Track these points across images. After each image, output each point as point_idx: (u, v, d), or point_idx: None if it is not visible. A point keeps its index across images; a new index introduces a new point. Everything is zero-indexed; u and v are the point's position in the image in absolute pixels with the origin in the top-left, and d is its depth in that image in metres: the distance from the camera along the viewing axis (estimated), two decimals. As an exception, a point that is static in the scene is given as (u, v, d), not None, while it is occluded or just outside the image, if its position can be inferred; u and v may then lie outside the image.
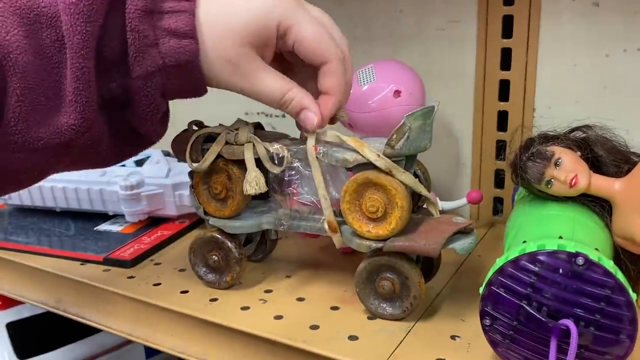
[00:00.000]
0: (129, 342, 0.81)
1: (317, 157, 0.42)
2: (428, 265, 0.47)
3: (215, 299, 0.47)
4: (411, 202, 0.41)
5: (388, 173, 0.40)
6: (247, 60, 0.38)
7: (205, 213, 0.48)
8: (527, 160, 0.43)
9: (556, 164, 0.42)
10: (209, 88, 0.40)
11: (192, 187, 0.48)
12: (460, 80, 0.60)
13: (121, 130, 0.39)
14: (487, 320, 0.35)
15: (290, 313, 0.45)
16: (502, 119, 0.59)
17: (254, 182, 0.44)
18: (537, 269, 0.33)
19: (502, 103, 0.59)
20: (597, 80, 0.54)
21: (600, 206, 0.42)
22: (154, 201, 0.61)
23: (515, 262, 0.34)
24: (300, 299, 0.47)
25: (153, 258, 0.56)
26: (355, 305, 0.45)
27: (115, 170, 0.63)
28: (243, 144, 0.44)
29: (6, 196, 0.67)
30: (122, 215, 0.63)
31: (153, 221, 0.63)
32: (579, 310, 0.33)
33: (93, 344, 0.77)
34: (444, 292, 0.47)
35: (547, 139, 0.44)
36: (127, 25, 0.35)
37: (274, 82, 0.40)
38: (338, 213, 0.43)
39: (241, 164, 0.45)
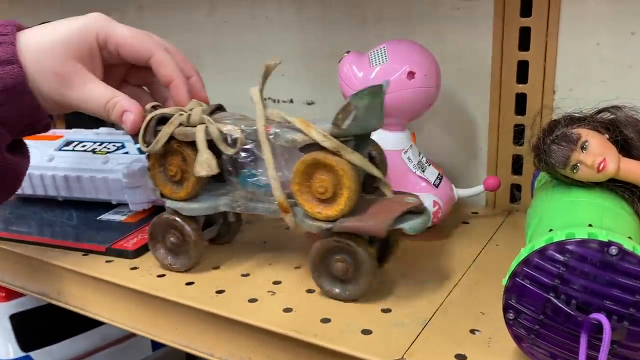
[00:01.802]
0: (135, 334, 0.79)
1: (267, 138, 0.42)
2: (386, 247, 0.46)
3: (222, 291, 0.45)
4: (360, 182, 0.41)
5: (336, 153, 0.40)
6: (74, 71, 0.42)
7: (162, 195, 0.48)
8: (552, 144, 0.40)
9: (583, 148, 0.39)
10: None
11: (148, 169, 0.48)
12: (476, 61, 0.58)
13: None
14: (511, 314, 0.33)
15: (300, 305, 0.42)
16: (521, 102, 0.57)
17: (205, 164, 0.43)
18: (565, 259, 0.31)
19: (520, 85, 0.56)
20: (622, 60, 0.51)
21: (630, 192, 0.39)
22: (158, 189, 0.59)
23: (541, 252, 0.32)
24: (310, 291, 0.45)
25: (157, 248, 0.54)
26: (368, 297, 0.43)
27: (118, 158, 0.61)
28: (196, 125, 0.44)
29: (7, 185, 0.65)
30: (126, 204, 0.61)
31: (157, 210, 0.61)
32: (611, 303, 0.30)
33: (98, 336, 0.75)
34: (462, 283, 0.45)
35: (573, 120, 0.41)
36: None
37: (99, 90, 0.43)
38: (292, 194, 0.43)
39: (195, 145, 0.44)
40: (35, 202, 0.66)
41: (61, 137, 0.67)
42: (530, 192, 0.51)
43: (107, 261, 0.52)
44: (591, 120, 0.41)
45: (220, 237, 0.54)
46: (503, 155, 0.59)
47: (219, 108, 0.48)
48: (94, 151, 0.63)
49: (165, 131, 0.45)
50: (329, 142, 0.39)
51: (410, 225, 0.40)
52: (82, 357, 0.74)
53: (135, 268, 0.50)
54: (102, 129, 0.69)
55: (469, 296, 0.43)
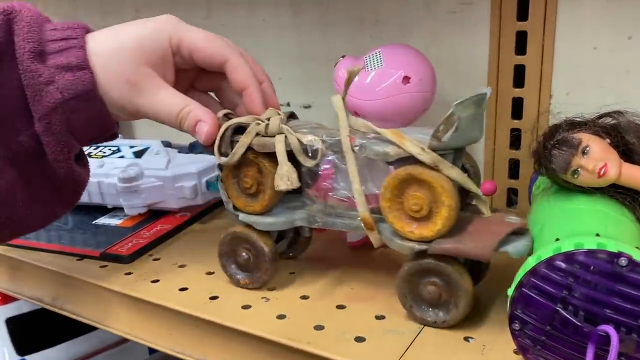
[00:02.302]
0: (131, 337, 0.79)
1: (352, 150, 0.39)
2: (475, 268, 0.43)
3: (215, 297, 0.45)
4: (459, 200, 0.37)
5: (433, 168, 0.36)
6: (145, 78, 0.40)
7: (235, 208, 0.45)
8: (553, 149, 0.40)
9: (584, 152, 0.38)
10: None
11: (221, 180, 0.45)
12: (472, 65, 0.57)
13: (39, 184, 0.40)
14: (517, 325, 0.33)
15: (293, 312, 0.42)
16: (517, 106, 0.56)
17: (285, 177, 0.41)
18: (574, 269, 0.31)
19: (517, 89, 0.56)
20: (619, 65, 0.51)
21: (632, 198, 0.39)
22: (153, 194, 0.59)
23: (549, 262, 0.31)
24: (304, 297, 0.44)
25: (152, 253, 0.54)
26: (362, 304, 0.43)
27: (113, 162, 0.61)
28: (274, 136, 0.41)
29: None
30: (121, 208, 0.61)
31: (153, 214, 0.61)
32: (620, 315, 0.30)
33: (95, 340, 0.75)
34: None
35: (574, 125, 0.41)
36: (19, 70, 0.36)
37: (172, 98, 0.41)
38: (377, 210, 0.40)
39: (273, 156, 0.41)
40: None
41: (57, 140, 0.67)
42: (528, 197, 0.51)
43: (101, 266, 0.52)
44: (592, 125, 0.40)
45: (287, 252, 0.51)
46: (500, 159, 0.59)
47: (292, 116, 0.46)
48: (89, 155, 0.63)
49: (243, 142, 0.42)
50: (426, 156, 0.36)
51: (514, 248, 0.36)
52: (85, 358, 0.73)
53: (129, 273, 0.50)
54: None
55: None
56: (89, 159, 0.61)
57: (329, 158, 0.42)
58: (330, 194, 0.43)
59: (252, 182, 0.43)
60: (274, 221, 0.44)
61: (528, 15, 0.53)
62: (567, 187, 0.41)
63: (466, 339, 0.38)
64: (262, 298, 0.45)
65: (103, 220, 0.61)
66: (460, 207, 0.38)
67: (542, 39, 0.53)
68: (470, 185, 0.38)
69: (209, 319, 0.42)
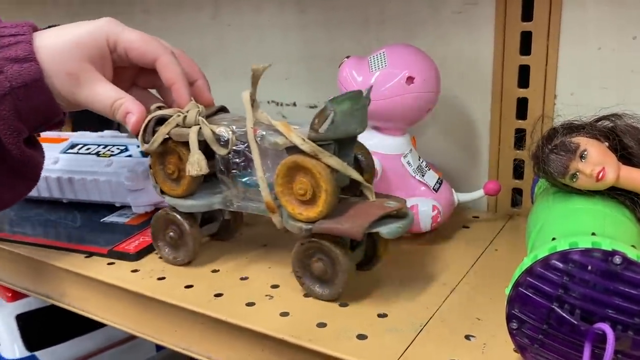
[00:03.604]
0: (139, 334, 0.80)
1: (255, 140, 0.43)
2: (373, 252, 0.47)
3: (220, 294, 0.46)
4: (337, 186, 0.41)
5: (314, 157, 0.40)
6: (85, 72, 0.44)
7: (162, 192, 0.50)
8: (550, 153, 0.40)
9: (582, 157, 0.39)
10: None
11: (150, 166, 0.50)
12: (477, 65, 0.58)
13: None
14: (515, 324, 0.33)
15: (296, 310, 0.43)
16: (522, 107, 0.57)
17: (195, 164, 0.45)
18: (569, 268, 0.31)
19: (521, 90, 0.56)
20: (624, 65, 0.51)
21: (631, 200, 0.39)
22: (161, 192, 0.60)
23: (544, 261, 0.32)
24: (307, 295, 0.45)
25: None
26: (364, 302, 0.43)
27: (121, 161, 0.62)
28: (191, 127, 0.46)
29: (13, 187, 0.66)
30: (129, 207, 0.62)
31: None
32: (615, 312, 0.30)
33: (103, 337, 0.76)
34: (459, 288, 0.45)
35: (572, 129, 0.41)
36: None
37: (107, 92, 0.45)
38: None
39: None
40: (39, 204, 0.67)
41: (66, 139, 0.68)
42: (531, 197, 0.51)
43: (109, 263, 0.52)
44: (590, 129, 0.41)
45: (220, 234, 0.56)
46: (504, 159, 0.59)
47: (222, 109, 0.50)
48: (97, 154, 0.64)
49: (162, 131, 0.46)
50: (306, 146, 0.40)
51: (387, 229, 0.40)
52: (87, 357, 0.74)
53: (136, 270, 0.51)
54: (106, 132, 0.70)
55: (466, 301, 0.43)
56: (98, 158, 0.63)
57: (239, 148, 0.46)
58: (241, 180, 0.47)
59: (174, 168, 0.48)
60: (194, 204, 0.49)
61: (533, 16, 0.53)
62: (566, 190, 0.41)
63: (467, 337, 0.38)
64: (266, 296, 0.45)
65: (111, 219, 0.62)
66: (350, 193, 0.44)
67: (546, 39, 0.53)
68: (351, 172, 0.42)
69: (213, 315, 0.43)
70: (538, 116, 0.55)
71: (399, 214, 0.42)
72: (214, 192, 0.49)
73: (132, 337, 0.79)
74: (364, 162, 0.46)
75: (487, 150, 0.60)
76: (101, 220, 0.62)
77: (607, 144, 0.40)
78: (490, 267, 0.49)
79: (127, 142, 0.66)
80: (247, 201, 0.47)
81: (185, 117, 0.46)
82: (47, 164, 0.63)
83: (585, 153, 0.38)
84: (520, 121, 0.57)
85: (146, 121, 0.47)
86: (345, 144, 0.43)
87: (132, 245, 0.54)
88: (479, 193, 0.55)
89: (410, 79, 0.50)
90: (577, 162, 0.39)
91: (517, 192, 0.60)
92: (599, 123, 0.41)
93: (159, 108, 0.48)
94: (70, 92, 0.44)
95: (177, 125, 0.46)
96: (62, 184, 0.64)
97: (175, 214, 0.50)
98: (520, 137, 0.57)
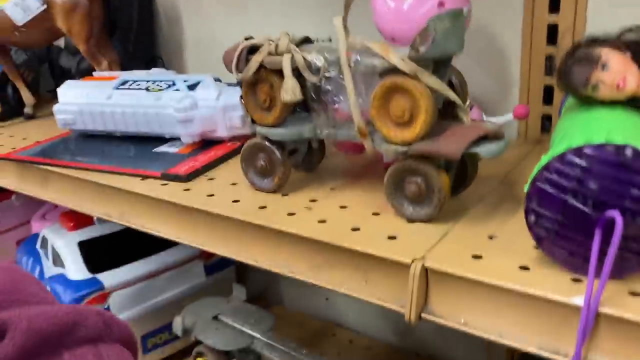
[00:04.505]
0: (189, 260, 0.86)
1: (349, 65, 0.44)
2: (463, 175, 0.48)
3: (264, 207, 0.50)
4: (437, 107, 0.41)
5: (414, 77, 0.41)
6: None
7: (253, 121, 0.51)
8: (572, 65, 0.42)
9: (603, 67, 0.40)
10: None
11: (241, 96, 0.51)
12: (508, -7, 0.59)
13: None
14: (532, 217, 0.36)
15: (333, 218, 0.47)
16: (552, 33, 0.58)
17: (290, 90, 0.46)
18: (583, 162, 0.33)
19: (552, 15, 0.57)
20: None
21: (653, 111, 0.41)
22: (207, 122, 0.64)
23: (561, 157, 0.34)
24: (343, 207, 0.49)
25: (207, 174, 0.59)
26: (395, 213, 0.46)
27: (170, 95, 0.66)
28: (282, 54, 0.46)
29: (71, 122, 0.72)
30: (178, 138, 0.67)
31: (206, 143, 0.66)
32: (626, 201, 0.33)
33: (157, 262, 0.83)
34: (486, 200, 0.48)
35: (595, 42, 0.42)
36: None
37: None
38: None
39: (282, 73, 0.47)
40: (96, 138, 0.72)
41: (117, 77, 0.73)
42: (559, 116, 0.53)
43: (162, 184, 0.57)
44: (613, 41, 0.42)
45: (303, 165, 0.57)
46: (534, 85, 0.60)
47: (307, 40, 0.50)
48: (147, 89, 0.68)
49: (255, 59, 0.47)
50: (406, 66, 0.40)
51: (486, 149, 0.41)
52: (142, 279, 0.81)
53: (187, 190, 0.56)
54: (154, 70, 0.74)
55: (492, 210, 0.46)
56: (148, 93, 0.67)
57: (331, 75, 0.46)
58: (331, 106, 0.48)
59: (265, 97, 0.49)
60: (285, 132, 0.50)
61: (564, -60, 0.54)
62: (590, 103, 0.43)
63: (490, 237, 0.42)
64: (305, 207, 0.49)
65: (162, 149, 0.67)
66: (443, 117, 0.43)
67: (578, -38, 0.54)
68: (449, 93, 0.42)
69: (259, 223, 0.47)
70: (568, 42, 0.56)
71: (495, 135, 0.42)
72: (303, 121, 0.50)
73: (183, 263, 0.85)
74: (457, 85, 0.47)
75: (517, 77, 0.61)
76: (153, 150, 0.67)
77: (629, 54, 0.41)
78: (517, 184, 0.51)
79: (174, 77, 0.70)
80: (337, 128, 0.48)
81: (277, 45, 0.47)
82: (102, 99, 0.69)
83: (607, 63, 0.40)
84: (550, 47, 0.58)
85: (239, 51, 0.48)
86: (441, 66, 0.43)
87: (182, 168, 0.59)
88: (508, 116, 0.57)
89: (441, 4, 0.52)
90: (598, 72, 0.40)
91: (546, 119, 0.62)
92: (622, 35, 0.43)
93: (247, 38, 0.49)
94: None
95: (269, 54, 0.47)
96: (115, 118, 0.69)
97: (265, 142, 0.51)
98: (550, 64, 0.58)
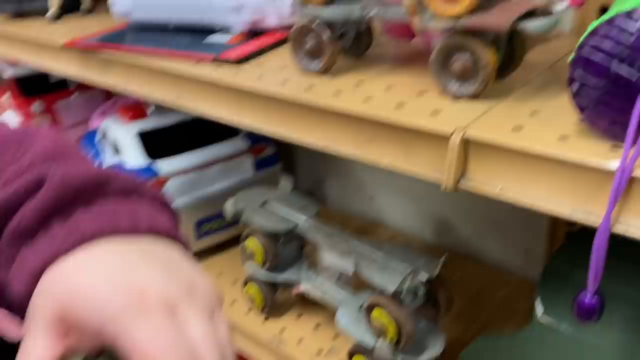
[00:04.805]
0: (239, 154, 0.90)
1: None
2: (511, 58, 0.48)
3: (311, 87, 0.52)
4: None
5: None
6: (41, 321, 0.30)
7: (301, 2, 0.52)
8: None
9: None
10: None
11: None
12: None
13: None
14: (575, 85, 0.36)
15: (378, 97, 0.48)
16: None
17: None
18: (632, 26, 0.33)
19: None
20: None
21: None
22: (257, 11, 0.65)
23: (609, 21, 0.34)
24: (388, 88, 0.50)
25: (256, 59, 0.61)
26: (440, 90, 0.47)
27: (221, -16, 0.67)
28: None
29: (127, 12, 0.74)
30: (229, 29, 0.68)
31: (256, 33, 0.68)
32: None
33: (209, 154, 0.87)
34: (533, 83, 0.48)
35: None
36: None
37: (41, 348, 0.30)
38: None
39: None
40: (149, 28, 0.75)
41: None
42: None
43: (214, 68, 0.60)
44: None
45: (351, 49, 0.58)
46: (594, -27, 0.58)
47: None
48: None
49: None
50: None
51: (534, 25, 0.41)
52: (195, 169, 0.86)
53: (238, 73, 0.58)
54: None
55: (537, 91, 0.46)
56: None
57: None
58: None
59: None
60: (334, 11, 0.51)
61: None
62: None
63: (533, 113, 0.42)
64: (352, 88, 0.51)
65: (213, 38, 0.69)
66: None
67: None
68: None
69: (306, 102, 0.49)
70: None
71: (544, 12, 0.42)
72: (352, 0, 0.51)
73: (234, 156, 0.89)
74: None
75: (576, -36, 0.59)
76: (203, 41, 0.69)
77: None
78: (566, 70, 0.51)
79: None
80: (386, 7, 0.48)
81: None
82: (156, -12, 0.70)
83: None
84: None
85: None
86: None
87: (233, 54, 0.61)
88: (564, 4, 0.56)
89: None
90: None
91: (604, 12, 0.60)
92: None
93: None
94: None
95: None
96: (170, 6, 0.71)
97: (314, 23, 0.52)
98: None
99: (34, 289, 0.31)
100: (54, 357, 0.29)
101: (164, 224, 0.35)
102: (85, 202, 0.34)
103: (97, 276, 0.30)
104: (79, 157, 0.39)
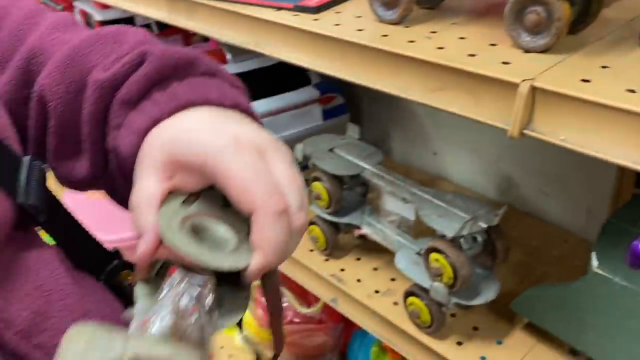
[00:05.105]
0: (309, 103, 0.94)
1: None
2: (585, 13, 0.48)
3: (386, 35, 0.54)
4: None
5: None
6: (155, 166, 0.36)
7: None
8: None
9: None
10: None
11: None
12: None
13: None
14: None
15: (451, 46, 0.50)
16: None
17: None
18: None
19: None
20: None
21: None
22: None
23: None
24: (461, 38, 0.52)
25: (334, 8, 0.63)
26: (512, 42, 0.49)
27: None
28: None
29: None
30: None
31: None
32: None
33: (281, 101, 0.91)
34: (606, 39, 0.49)
35: None
36: None
37: (151, 188, 0.35)
38: None
39: None
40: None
41: None
42: None
43: (294, 15, 0.63)
44: None
45: (427, 1, 0.60)
46: None
47: None
48: None
49: None
50: None
51: None
52: (267, 115, 0.90)
53: (316, 20, 0.61)
54: None
55: (610, 47, 0.47)
56: None
57: None
58: None
59: None
60: None
61: None
62: None
63: (603, 66, 0.43)
64: (425, 37, 0.53)
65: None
66: None
67: None
68: None
69: (380, 48, 0.52)
70: None
71: None
72: None
73: (305, 104, 0.93)
74: None
75: None
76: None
77: None
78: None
79: None
80: None
81: None
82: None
83: None
84: None
85: None
86: None
87: (313, 1, 0.64)
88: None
89: None
90: None
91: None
92: None
93: None
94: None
95: None
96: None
97: None
98: None
99: (140, 145, 0.36)
100: (162, 193, 0.34)
101: (244, 102, 0.40)
102: (180, 77, 0.40)
103: (199, 125, 0.35)
104: (167, 44, 0.46)
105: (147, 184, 0.34)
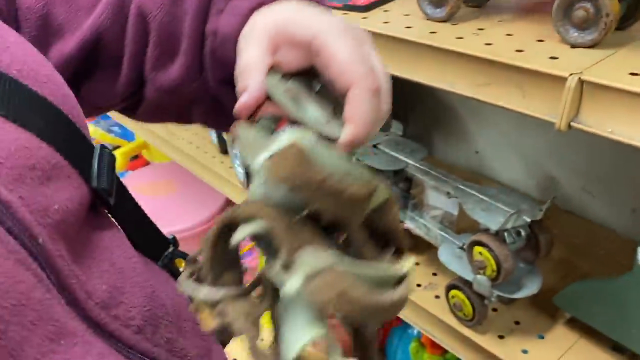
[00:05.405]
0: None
1: None
2: (635, 7, 0.49)
3: (434, 32, 0.56)
4: None
5: None
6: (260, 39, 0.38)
7: None
8: None
9: None
10: None
11: None
12: None
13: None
14: None
15: (498, 42, 0.52)
16: None
17: None
18: None
19: None
20: None
21: None
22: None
23: None
24: (509, 34, 0.53)
25: (383, 7, 0.66)
26: (560, 38, 0.50)
27: None
28: None
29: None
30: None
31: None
32: None
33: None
34: (654, 35, 0.50)
35: None
36: None
37: (252, 56, 0.38)
38: None
39: None
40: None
41: None
42: None
43: (343, 14, 0.65)
44: None
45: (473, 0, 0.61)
46: None
47: None
48: None
49: None
50: None
51: None
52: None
53: (365, 18, 0.63)
54: None
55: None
56: None
57: None
58: None
59: None
60: None
61: None
62: None
63: (651, 61, 0.44)
64: (473, 34, 0.54)
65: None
66: None
67: None
68: None
69: (429, 44, 0.54)
70: None
71: None
72: None
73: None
74: None
75: None
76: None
77: None
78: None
79: None
80: None
81: None
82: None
83: None
84: None
85: None
86: None
87: (361, 0, 0.66)
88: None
89: None
90: None
91: None
92: None
93: None
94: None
95: None
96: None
97: None
98: None
99: (242, 26, 0.39)
100: (265, 64, 0.37)
101: (324, 2, 0.43)
102: None
103: (304, 10, 0.37)
104: None
105: (255, 53, 0.37)
